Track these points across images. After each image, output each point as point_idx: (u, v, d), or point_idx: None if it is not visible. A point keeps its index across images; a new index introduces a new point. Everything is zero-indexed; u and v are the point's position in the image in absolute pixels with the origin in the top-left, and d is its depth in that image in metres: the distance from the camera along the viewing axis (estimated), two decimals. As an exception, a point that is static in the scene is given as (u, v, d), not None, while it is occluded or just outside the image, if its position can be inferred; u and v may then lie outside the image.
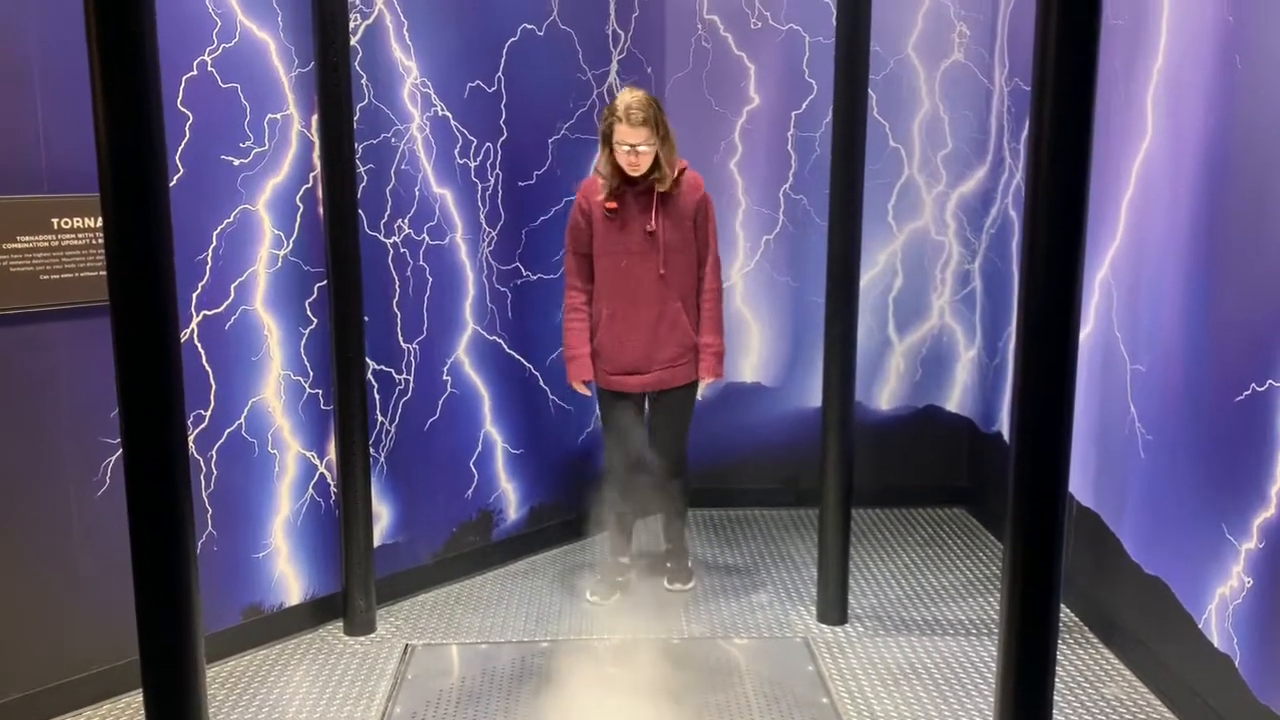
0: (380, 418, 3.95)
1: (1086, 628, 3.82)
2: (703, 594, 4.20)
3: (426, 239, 4.01)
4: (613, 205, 3.87)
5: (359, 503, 3.74)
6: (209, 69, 3.35)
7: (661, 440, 4.06)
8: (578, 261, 3.99)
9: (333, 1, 3.45)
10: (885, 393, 5.13)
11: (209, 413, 3.48)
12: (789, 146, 4.93)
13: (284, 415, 3.68)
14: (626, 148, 3.77)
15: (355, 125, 3.62)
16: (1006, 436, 3.90)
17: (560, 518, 4.66)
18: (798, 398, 5.07)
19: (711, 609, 4.07)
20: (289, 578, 3.78)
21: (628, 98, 3.78)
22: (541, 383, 4.50)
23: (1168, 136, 3.27)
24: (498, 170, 4.22)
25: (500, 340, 4.32)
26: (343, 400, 3.67)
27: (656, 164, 3.83)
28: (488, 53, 4.13)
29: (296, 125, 3.60)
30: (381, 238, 3.87)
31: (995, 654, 2.02)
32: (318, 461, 3.80)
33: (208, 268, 3.42)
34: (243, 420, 3.57)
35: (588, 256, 3.97)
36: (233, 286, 3.50)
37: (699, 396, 4.10)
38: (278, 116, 3.55)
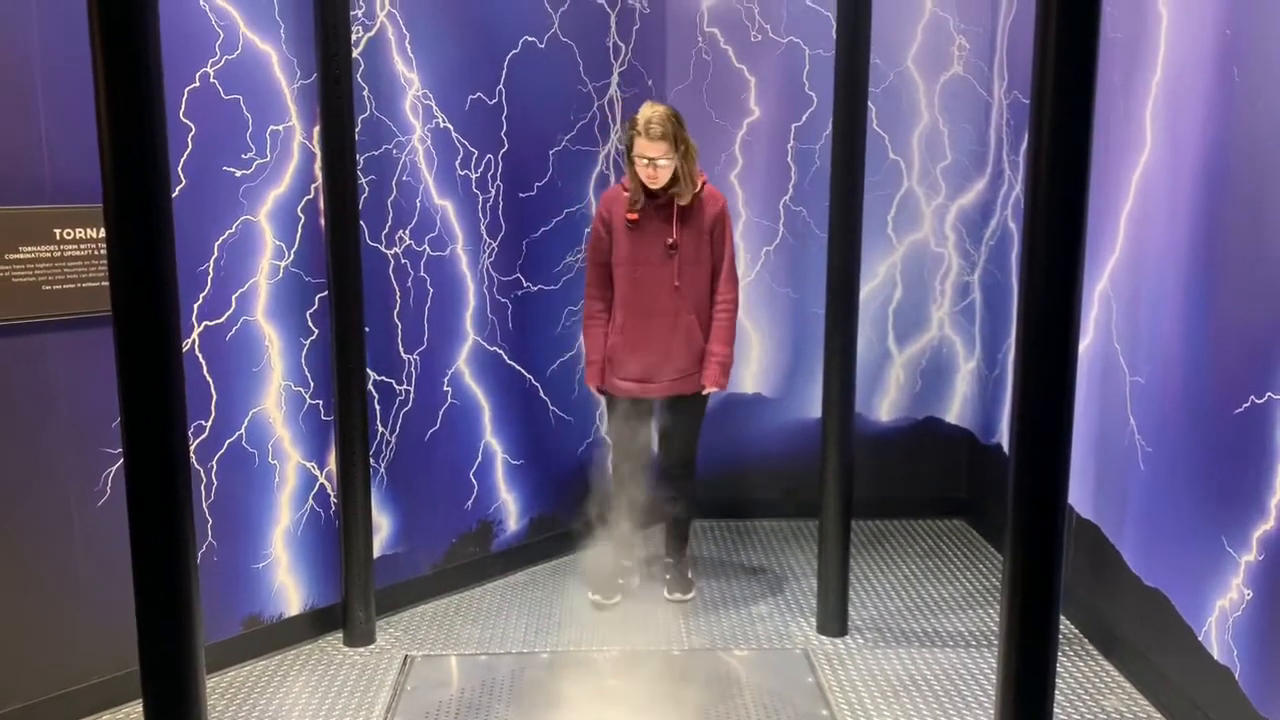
0: (381, 428, 3.95)
1: (1086, 640, 3.82)
2: (703, 604, 4.20)
3: (427, 250, 4.02)
4: (633, 217, 3.92)
5: (359, 513, 3.74)
6: (211, 80, 3.36)
7: (669, 449, 4.09)
8: (597, 271, 4.04)
9: (335, 14, 3.47)
10: (885, 404, 5.14)
11: (210, 423, 3.48)
12: (789, 158, 4.94)
13: (284, 426, 3.68)
14: (645, 161, 3.83)
15: (357, 137, 3.63)
16: (1006, 448, 3.91)
17: (560, 529, 4.66)
18: (798, 409, 5.08)
19: (711, 620, 4.07)
20: (289, 588, 3.78)
21: (648, 112, 3.84)
22: (542, 394, 4.50)
23: (1166, 149, 3.28)
24: (499, 182, 4.24)
25: (501, 351, 4.33)
26: (343, 411, 3.68)
27: (676, 178, 3.88)
28: (489, 65, 4.15)
29: (298, 137, 3.61)
30: (383, 249, 3.88)
31: (995, 666, 2.02)
32: (318, 472, 3.80)
33: (209, 278, 3.43)
34: (243, 430, 3.57)
35: (607, 265, 4.02)
36: (234, 297, 3.50)
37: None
38: (280, 128, 3.56)
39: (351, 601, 3.80)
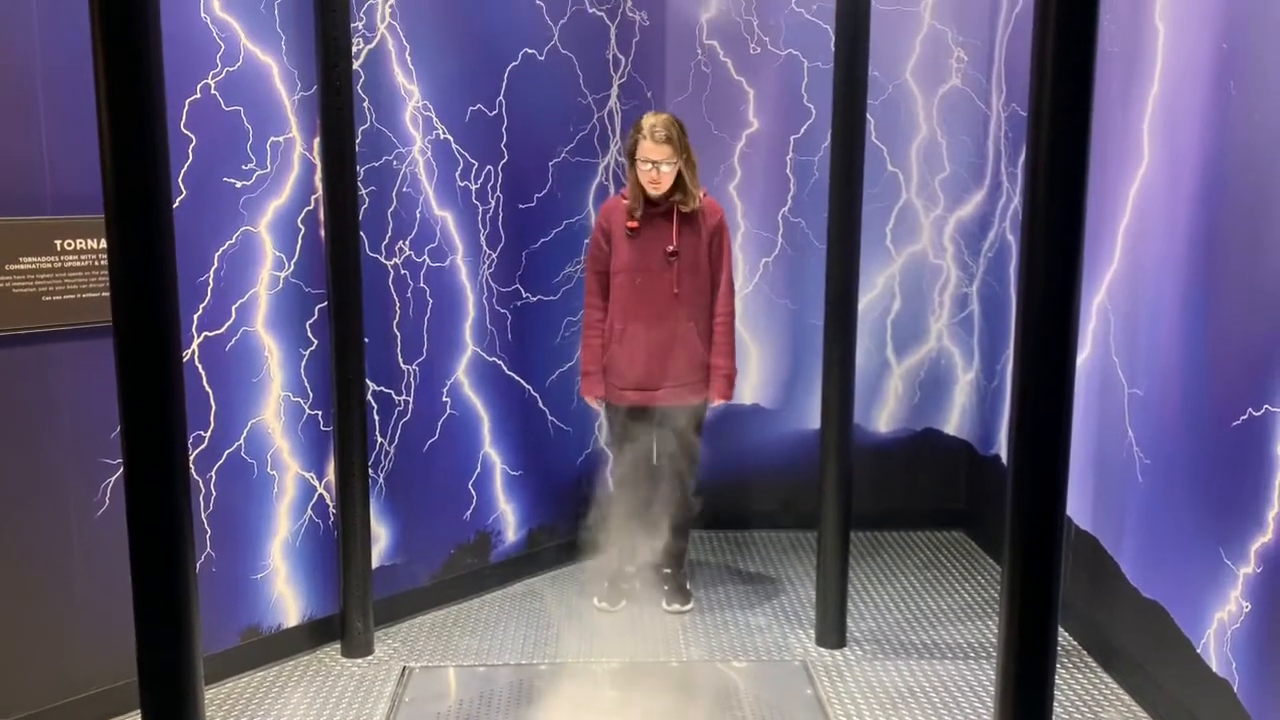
0: (380, 439, 3.95)
1: (1085, 652, 3.82)
2: (701, 615, 4.19)
3: (427, 261, 4.03)
4: (634, 225, 3.94)
5: (357, 524, 3.74)
6: (212, 92, 3.37)
7: (670, 458, 4.09)
8: (597, 280, 4.08)
9: (336, 26, 3.48)
10: (884, 415, 5.14)
11: (209, 433, 3.48)
12: (788, 170, 4.95)
13: (283, 436, 3.69)
14: (649, 165, 3.86)
15: (357, 148, 3.64)
16: (1005, 459, 3.91)
17: (559, 539, 4.66)
18: (797, 420, 5.08)
19: (710, 631, 4.06)
20: (287, 599, 3.78)
21: (653, 118, 3.92)
22: (541, 404, 4.51)
23: (1164, 162, 3.29)
24: (498, 193, 4.24)
25: (500, 362, 4.33)
26: (342, 421, 3.68)
27: (678, 185, 3.91)
28: (489, 77, 4.16)
29: (299, 148, 3.62)
30: (382, 259, 3.89)
31: (994, 678, 2.02)
32: (316, 483, 3.80)
33: (209, 289, 3.44)
34: (242, 441, 3.57)
35: (605, 274, 4.06)
36: (234, 308, 3.51)
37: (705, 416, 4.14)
38: (280, 139, 3.57)
39: (350, 612, 3.80)
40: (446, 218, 4.08)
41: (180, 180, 3.31)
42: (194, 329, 3.41)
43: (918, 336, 5.09)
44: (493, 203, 4.23)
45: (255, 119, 3.49)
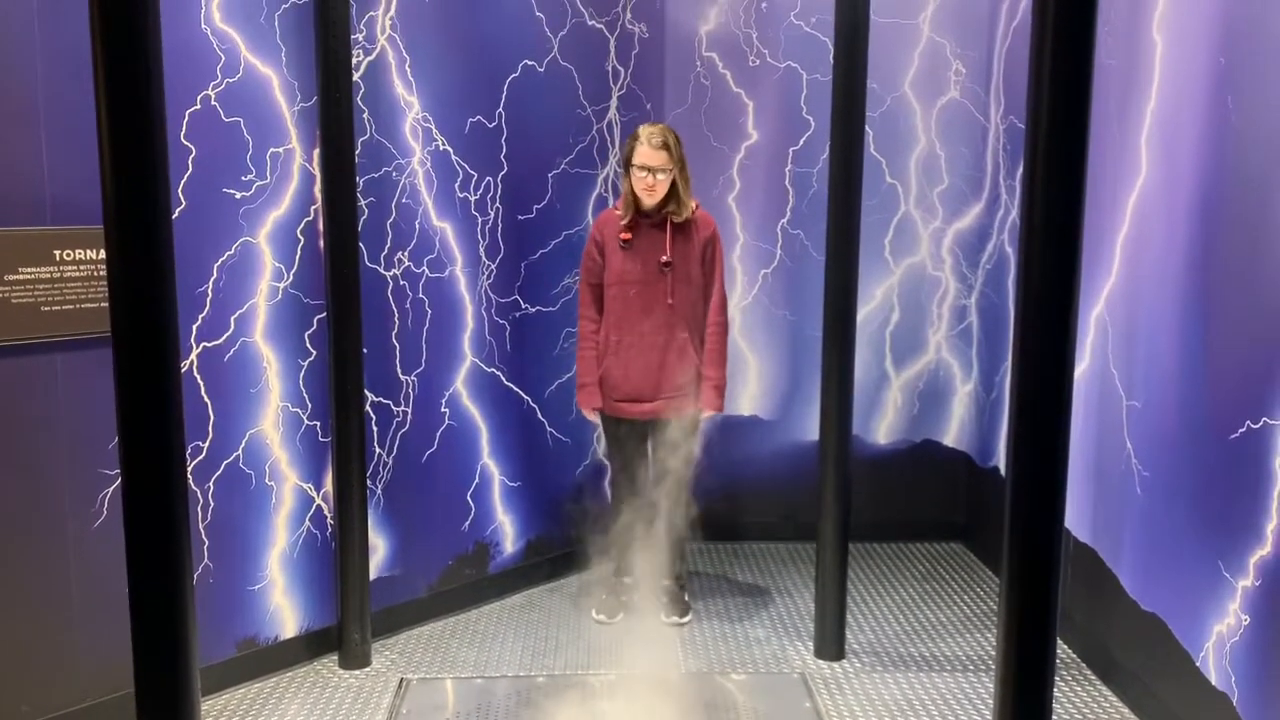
0: (378, 450, 3.95)
1: (1084, 664, 3.81)
2: (699, 627, 4.18)
3: (426, 271, 4.03)
4: (627, 236, 3.96)
5: (355, 535, 3.74)
6: (212, 103, 3.38)
7: (666, 469, 4.09)
8: (590, 292, 4.09)
9: (336, 38, 3.49)
10: (882, 427, 5.14)
11: (207, 444, 3.48)
12: (786, 182, 4.96)
13: (282, 447, 3.68)
14: (644, 172, 3.87)
15: (357, 159, 3.65)
16: (1003, 471, 3.91)
17: (557, 551, 4.65)
18: (795, 431, 5.08)
19: (708, 643, 4.05)
20: (284, 610, 3.77)
21: (650, 126, 3.98)
22: (539, 415, 4.51)
23: (1162, 174, 3.30)
24: (498, 204, 4.25)
25: (499, 372, 4.33)
26: (341, 432, 3.68)
27: (672, 196, 3.92)
28: (489, 88, 4.17)
29: (298, 159, 3.62)
30: (381, 270, 3.89)
31: (993, 690, 2.02)
32: (315, 493, 3.80)
33: (208, 299, 3.44)
34: (240, 452, 3.57)
35: (599, 286, 4.07)
36: (233, 318, 3.51)
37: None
38: (280, 150, 3.57)
39: (347, 624, 3.79)
40: (446, 229, 4.09)
41: (180, 191, 3.32)
42: (193, 339, 3.41)
43: (916, 348, 5.09)
44: (492, 214, 4.24)
45: (255, 130, 3.50)
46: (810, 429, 4.80)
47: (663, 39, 4.84)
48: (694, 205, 4.03)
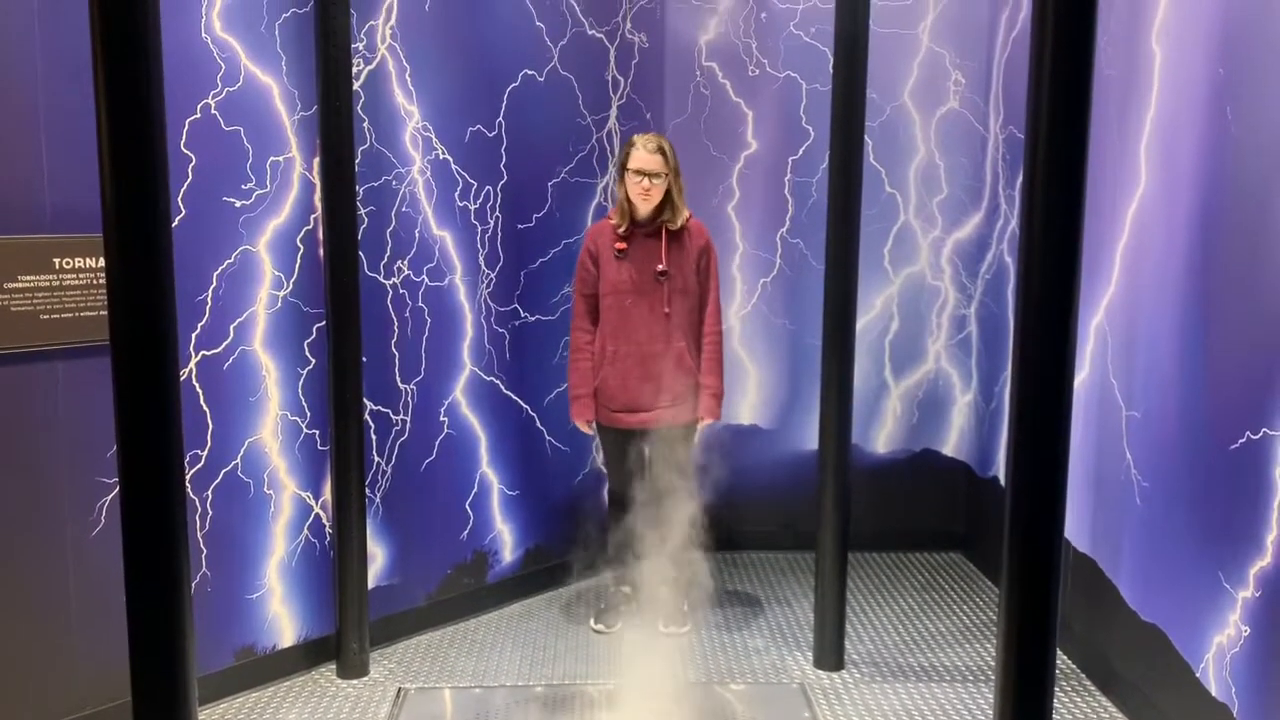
0: (377, 458, 3.94)
1: (1084, 675, 3.80)
2: (698, 637, 4.17)
3: (426, 280, 4.04)
4: (622, 246, 3.96)
5: (354, 544, 3.73)
6: (213, 111, 3.38)
7: (664, 479, 4.08)
8: (584, 303, 4.08)
9: (336, 47, 3.50)
10: (882, 436, 5.14)
11: (206, 452, 3.47)
12: (786, 191, 4.97)
13: (280, 455, 3.68)
14: (640, 177, 3.88)
15: (357, 168, 3.65)
16: (1003, 481, 3.90)
17: (556, 560, 4.64)
18: (795, 440, 5.07)
19: (707, 653, 4.04)
20: (283, 619, 3.76)
21: (645, 134, 4.01)
22: (538, 424, 4.50)
23: (1161, 184, 3.30)
24: (497, 213, 4.25)
25: (498, 381, 4.33)
26: (339, 441, 3.67)
27: (666, 203, 3.92)
28: (489, 97, 4.18)
29: (298, 168, 3.63)
30: (381, 279, 3.89)
31: (992, 701, 2.01)
32: (313, 502, 3.79)
33: (208, 308, 3.44)
34: (239, 460, 3.57)
35: (593, 297, 4.06)
36: (232, 327, 3.51)
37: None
38: (280, 159, 3.58)
39: (345, 633, 3.78)
40: (445, 237, 4.09)
41: (180, 199, 3.32)
42: (192, 348, 3.41)
43: (916, 357, 5.09)
44: (491, 222, 4.24)
45: (255, 139, 3.50)
46: (810, 438, 4.80)
47: (662, 48, 4.84)
48: (688, 214, 4.04)
